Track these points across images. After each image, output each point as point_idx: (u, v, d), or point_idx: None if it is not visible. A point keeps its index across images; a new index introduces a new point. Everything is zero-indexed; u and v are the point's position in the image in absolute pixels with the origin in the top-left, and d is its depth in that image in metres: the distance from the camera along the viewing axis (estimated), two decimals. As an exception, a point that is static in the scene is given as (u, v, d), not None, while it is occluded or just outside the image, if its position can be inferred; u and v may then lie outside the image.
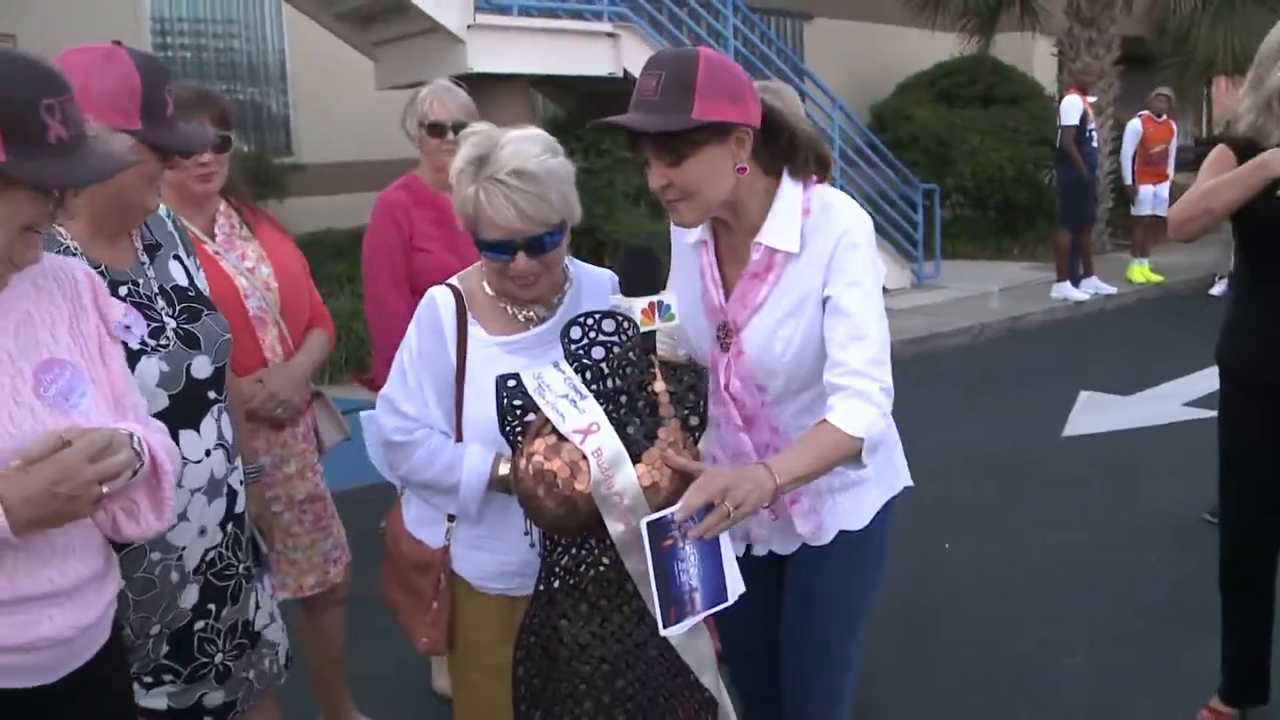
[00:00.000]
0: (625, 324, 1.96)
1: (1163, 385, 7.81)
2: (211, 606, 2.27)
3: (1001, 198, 14.30)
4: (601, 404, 1.88)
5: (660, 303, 1.99)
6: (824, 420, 1.98)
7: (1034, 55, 16.83)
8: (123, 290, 2.13)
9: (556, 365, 1.92)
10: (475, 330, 2.15)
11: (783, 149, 2.11)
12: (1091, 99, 10.86)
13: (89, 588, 1.73)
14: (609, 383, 1.92)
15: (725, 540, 1.89)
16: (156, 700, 2.21)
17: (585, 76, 9.82)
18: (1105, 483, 5.82)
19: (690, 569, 1.82)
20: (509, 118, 8.56)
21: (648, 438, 1.87)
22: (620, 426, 1.87)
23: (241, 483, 2.36)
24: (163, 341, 2.14)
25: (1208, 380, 7.83)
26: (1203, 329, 9.60)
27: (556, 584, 1.96)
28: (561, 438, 1.85)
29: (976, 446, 6.57)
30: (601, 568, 1.93)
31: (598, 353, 1.97)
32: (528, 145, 2.02)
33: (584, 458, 1.82)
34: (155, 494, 1.76)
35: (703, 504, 1.80)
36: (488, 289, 2.16)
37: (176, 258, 2.31)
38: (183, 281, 2.28)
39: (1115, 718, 3.58)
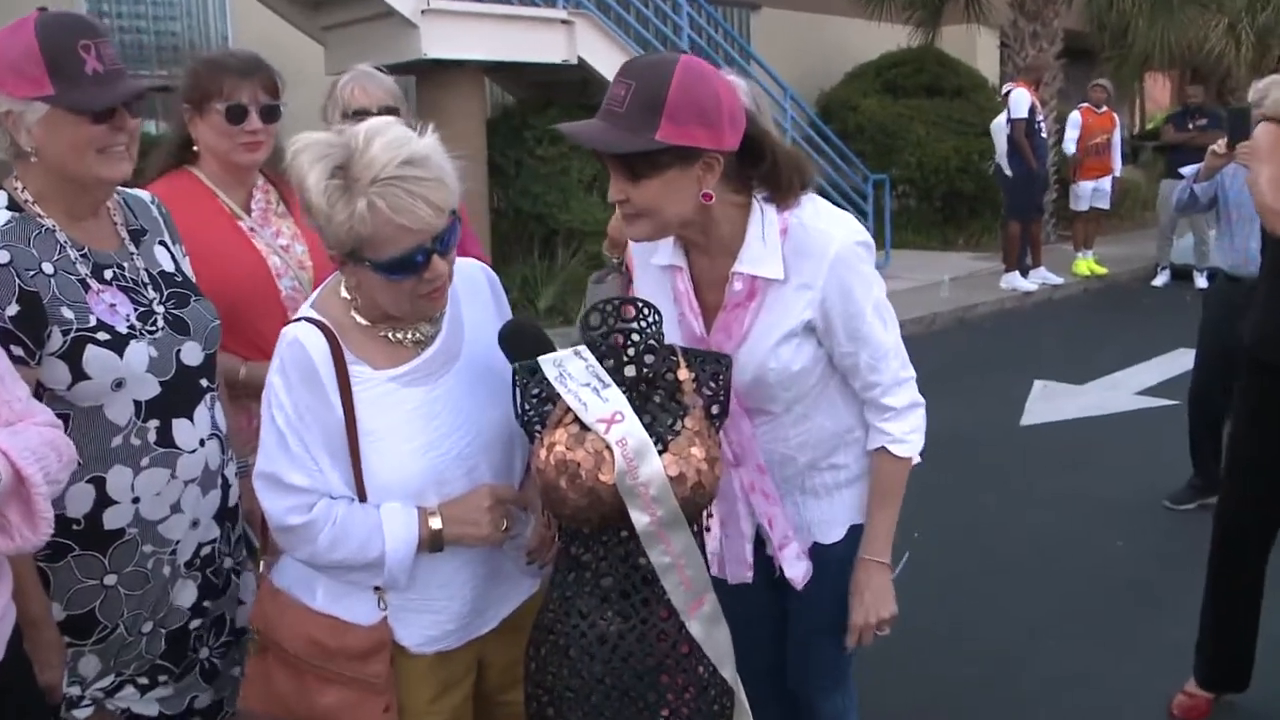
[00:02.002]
0: (645, 310, 1.91)
1: (1114, 374, 7.93)
2: (208, 604, 2.19)
3: (947, 188, 14.43)
4: (624, 392, 1.82)
5: None
6: (882, 453, 2.13)
7: (977, 47, 17.00)
8: (108, 274, 2.04)
9: (578, 353, 1.86)
10: (359, 369, 1.85)
11: (764, 173, 2.00)
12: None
13: None
14: (630, 370, 1.86)
15: None
16: (148, 707, 2.13)
17: (540, 63, 9.72)
18: (1065, 470, 5.89)
19: None
20: (463, 105, 8.46)
21: (672, 426, 1.82)
22: (644, 415, 1.81)
23: (236, 475, 2.28)
24: (151, 326, 2.05)
25: (1157, 369, 8.00)
26: (1147, 319, 9.98)
27: (572, 577, 1.90)
28: (584, 427, 1.79)
29: (937, 435, 6.49)
30: (620, 560, 1.87)
31: (615, 340, 1.90)
32: (393, 131, 1.73)
33: (608, 447, 1.76)
34: (27, 506, 1.61)
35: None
36: (359, 317, 1.88)
37: (162, 243, 2.22)
38: (169, 267, 2.19)
39: (1092, 699, 3.61)
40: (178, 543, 2.10)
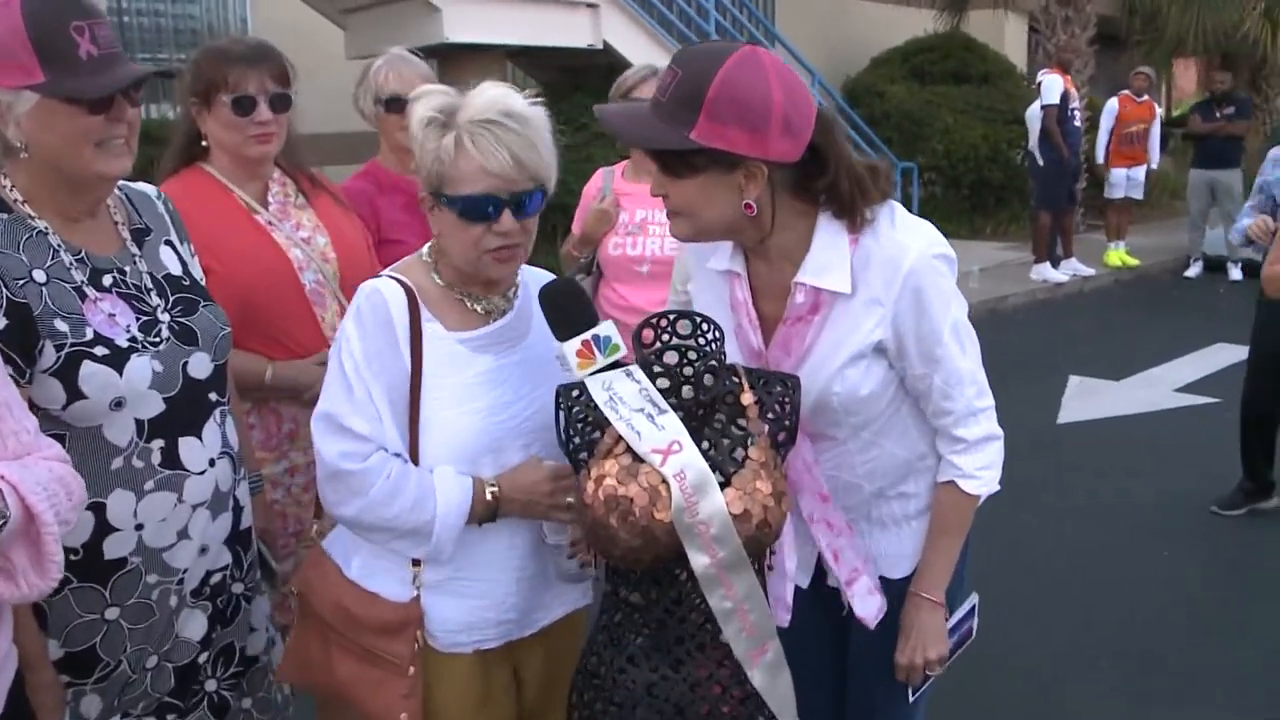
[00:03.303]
0: (703, 325, 1.73)
1: (1151, 370, 7.72)
2: (215, 636, 2.03)
3: (975, 176, 14.15)
4: (680, 418, 1.64)
5: (596, 337, 1.74)
6: (950, 487, 1.95)
7: (1005, 33, 16.70)
8: (107, 280, 1.86)
9: (629, 374, 1.67)
10: (432, 327, 1.85)
11: (824, 188, 1.80)
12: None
13: None
14: (687, 392, 1.68)
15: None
16: None
17: (564, 48, 9.52)
18: (1107, 473, 5.68)
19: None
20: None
21: (733, 455, 1.64)
22: (701, 443, 1.63)
23: (251, 492, 2.12)
24: (155, 337, 1.87)
25: (1195, 365, 7.80)
26: (1182, 311, 9.75)
27: (619, 618, 1.73)
28: (637, 458, 1.61)
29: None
30: (674, 602, 1.70)
31: (670, 358, 1.72)
32: (503, 89, 1.82)
33: (664, 482, 1.58)
34: (36, 548, 1.46)
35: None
36: (438, 279, 1.89)
37: (168, 243, 2.04)
38: (176, 270, 2.01)
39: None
40: (185, 571, 1.93)
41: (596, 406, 1.65)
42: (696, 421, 1.67)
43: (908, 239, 1.81)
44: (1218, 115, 11.12)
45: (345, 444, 1.80)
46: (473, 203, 1.76)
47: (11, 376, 1.67)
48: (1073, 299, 10.66)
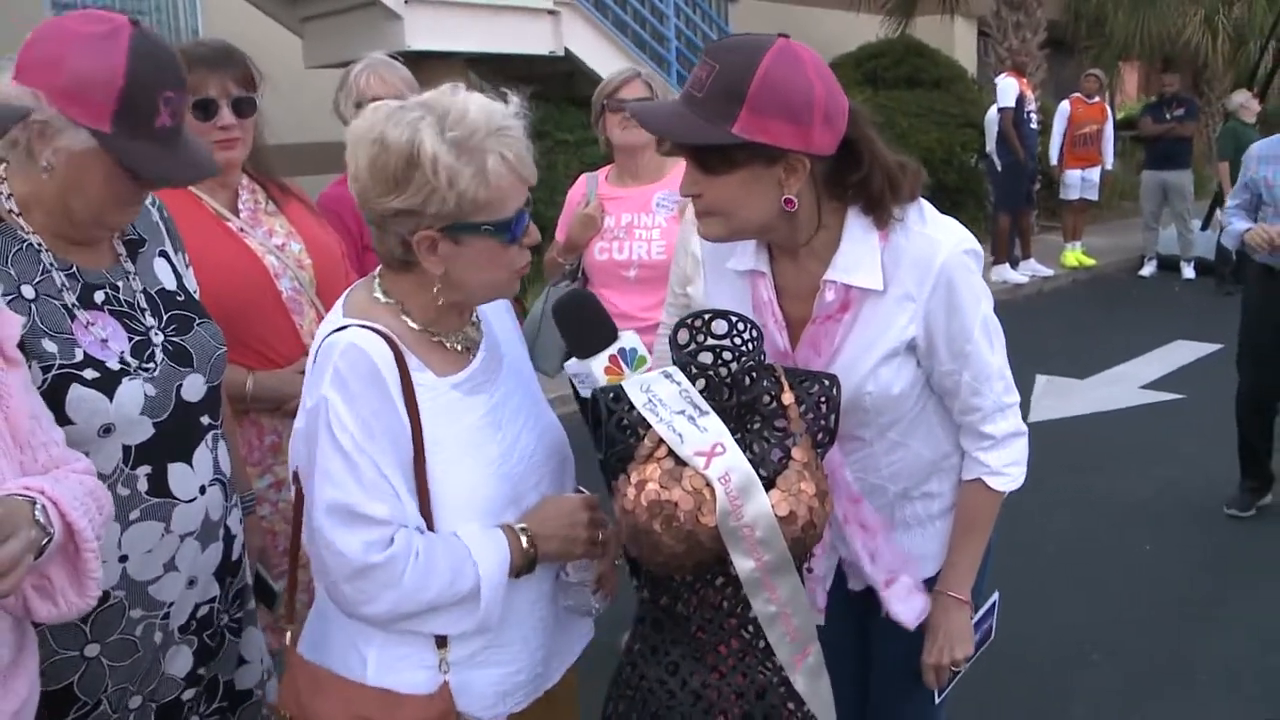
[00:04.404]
0: (739, 324, 1.69)
1: (1116, 368, 7.79)
2: (203, 672, 1.92)
3: (931, 180, 14.20)
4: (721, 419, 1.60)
5: (623, 350, 1.69)
6: (976, 484, 1.94)
7: (954, 38, 16.87)
8: (99, 296, 1.77)
9: (668, 375, 1.63)
10: (422, 376, 1.62)
11: (857, 182, 1.75)
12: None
13: None
14: (724, 394, 1.64)
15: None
16: None
17: (525, 55, 9.47)
18: (1081, 470, 5.71)
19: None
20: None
21: (771, 455, 1.60)
22: (745, 446, 1.60)
23: (245, 510, 2.04)
24: (148, 359, 1.77)
25: (1157, 362, 7.89)
26: (1139, 310, 9.86)
27: (657, 628, 1.69)
28: (679, 461, 1.56)
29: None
30: (714, 608, 1.66)
31: (705, 359, 1.68)
32: (465, 91, 1.62)
33: (708, 485, 1.54)
34: (75, 565, 1.41)
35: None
36: (411, 322, 1.65)
37: (163, 254, 1.95)
38: (170, 284, 1.92)
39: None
40: (171, 605, 1.82)
41: (633, 409, 1.60)
42: (734, 423, 1.63)
43: (939, 234, 1.79)
44: (1168, 117, 11.30)
45: (367, 533, 1.55)
46: (513, 222, 1.58)
47: None
48: (1032, 300, 10.76)
